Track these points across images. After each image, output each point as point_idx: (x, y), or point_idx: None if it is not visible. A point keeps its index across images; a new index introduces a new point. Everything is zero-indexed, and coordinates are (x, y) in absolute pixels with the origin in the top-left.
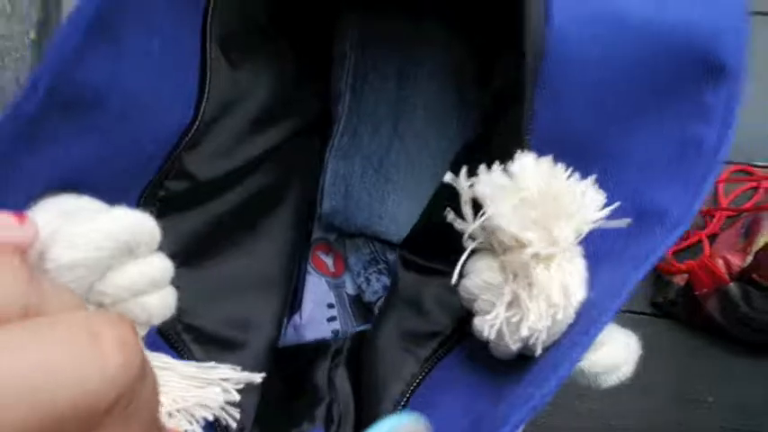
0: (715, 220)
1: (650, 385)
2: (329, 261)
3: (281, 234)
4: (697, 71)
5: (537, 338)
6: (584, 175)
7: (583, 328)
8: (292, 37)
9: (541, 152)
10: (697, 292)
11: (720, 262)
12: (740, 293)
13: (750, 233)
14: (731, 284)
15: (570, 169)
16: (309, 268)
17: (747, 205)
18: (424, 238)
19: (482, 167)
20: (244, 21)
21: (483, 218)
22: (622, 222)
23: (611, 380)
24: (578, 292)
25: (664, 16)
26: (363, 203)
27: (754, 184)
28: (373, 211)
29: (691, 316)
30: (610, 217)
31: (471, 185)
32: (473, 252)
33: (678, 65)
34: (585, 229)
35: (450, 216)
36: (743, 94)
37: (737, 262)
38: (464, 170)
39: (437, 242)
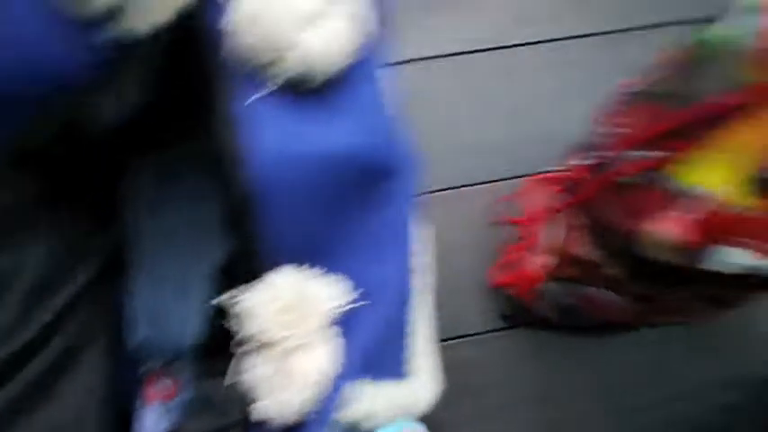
0: (525, 231)
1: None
2: (165, 385)
3: (89, 388)
4: (374, 175)
5: (304, 410)
6: (321, 271)
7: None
8: (70, 197)
9: (284, 261)
10: (525, 298)
11: (535, 265)
12: (557, 289)
13: (551, 236)
14: (547, 283)
15: (311, 271)
16: (141, 404)
17: (536, 212)
18: (209, 345)
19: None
20: (13, 195)
21: (249, 327)
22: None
23: (371, 426)
24: (331, 369)
25: (337, 147)
26: (172, 325)
27: (549, 188)
28: (183, 330)
29: (532, 319)
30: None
31: (238, 301)
32: (248, 351)
33: (359, 175)
34: (332, 318)
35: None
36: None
37: (548, 262)
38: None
39: (220, 347)
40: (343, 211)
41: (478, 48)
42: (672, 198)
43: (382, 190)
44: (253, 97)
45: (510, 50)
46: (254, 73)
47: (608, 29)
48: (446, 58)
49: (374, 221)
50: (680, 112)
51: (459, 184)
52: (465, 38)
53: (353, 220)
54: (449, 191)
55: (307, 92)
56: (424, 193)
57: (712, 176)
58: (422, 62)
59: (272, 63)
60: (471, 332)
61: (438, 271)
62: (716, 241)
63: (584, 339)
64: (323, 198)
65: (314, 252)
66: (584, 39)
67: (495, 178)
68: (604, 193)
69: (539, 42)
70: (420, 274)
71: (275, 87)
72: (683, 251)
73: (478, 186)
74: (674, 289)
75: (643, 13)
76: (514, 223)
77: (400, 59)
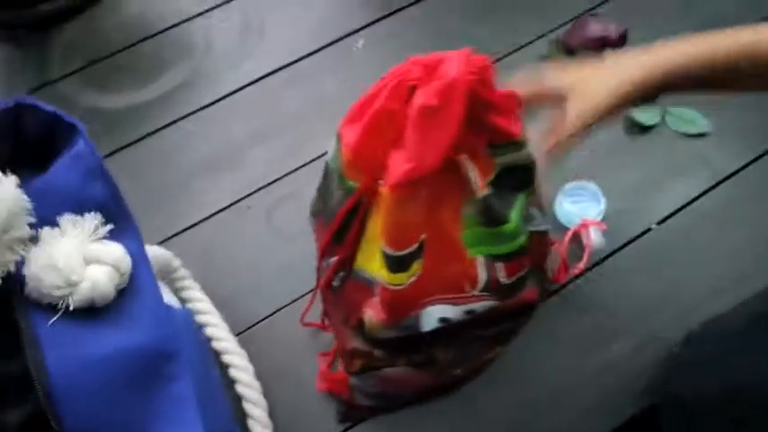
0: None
1: None
2: None
3: None
4: (160, 361)
5: None
6: None
7: None
8: None
9: None
10: (346, 397)
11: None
12: (359, 381)
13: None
14: (351, 379)
15: None
16: None
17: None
18: None
19: None
20: None
21: None
22: None
23: None
24: None
25: (127, 344)
26: None
27: None
28: None
29: (363, 413)
30: None
31: None
32: None
33: (147, 363)
34: None
35: None
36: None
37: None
38: None
39: None
40: (136, 396)
41: None
42: (367, 287)
43: (169, 372)
44: (52, 320)
45: None
46: (51, 301)
47: None
48: None
49: (164, 400)
50: (329, 223)
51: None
52: None
53: (146, 402)
54: (261, 322)
55: (97, 309)
56: (241, 332)
57: (373, 263)
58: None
59: (66, 294)
60: None
61: (276, 393)
62: (402, 312)
63: (422, 410)
64: (119, 388)
65: None
66: None
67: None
68: (330, 296)
69: None
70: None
71: (70, 310)
72: (393, 327)
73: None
74: (433, 349)
75: None
76: (321, 328)
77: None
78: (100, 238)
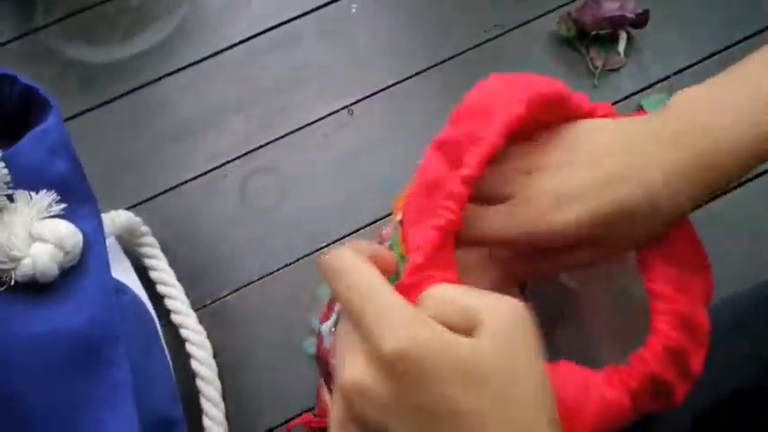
0: None
1: None
2: None
3: None
4: (98, 354)
5: None
6: None
7: None
8: None
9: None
10: None
11: None
12: None
13: None
14: None
15: None
16: None
17: None
18: None
19: None
20: None
21: None
22: None
23: None
24: None
25: (65, 324)
26: None
27: None
28: None
29: None
30: None
31: None
32: None
33: (87, 345)
34: None
35: None
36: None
37: None
38: None
39: None
40: (74, 377)
41: None
42: None
43: (107, 357)
44: None
45: None
46: None
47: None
48: None
49: (100, 384)
50: None
51: None
52: None
53: (81, 385)
54: (229, 295)
55: (40, 286)
56: (207, 305)
57: None
58: None
59: (8, 269)
60: None
61: (234, 371)
62: None
63: None
64: (53, 369)
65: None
66: None
67: (266, 273)
68: None
69: None
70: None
71: (11, 285)
72: None
73: None
74: None
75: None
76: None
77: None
78: (53, 216)
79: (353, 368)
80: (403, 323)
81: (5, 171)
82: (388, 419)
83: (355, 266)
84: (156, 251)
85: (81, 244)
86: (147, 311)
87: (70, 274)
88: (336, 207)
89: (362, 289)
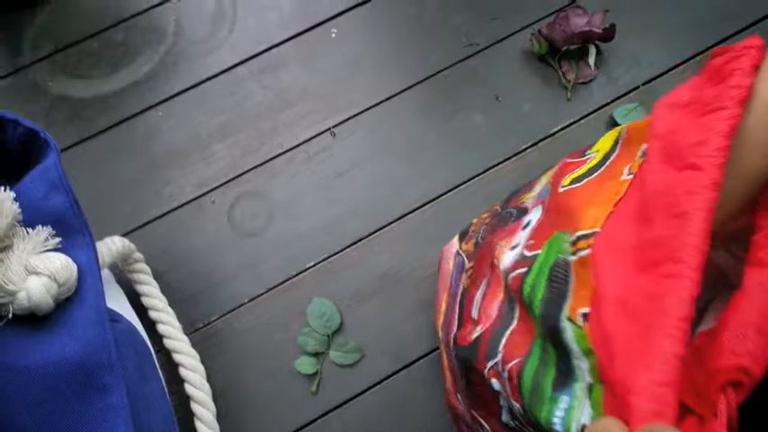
0: None
1: None
2: None
3: None
4: (94, 382)
5: None
6: None
7: None
8: None
9: None
10: None
11: None
12: None
13: None
14: None
15: None
16: None
17: None
18: None
19: None
20: None
21: None
22: None
23: None
24: None
25: (62, 355)
26: None
27: None
28: None
29: None
30: None
31: None
32: None
33: (80, 375)
34: None
35: None
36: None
37: None
38: None
39: None
40: (70, 404)
41: None
42: None
43: (103, 384)
44: None
45: None
46: None
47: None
48: None
49: (97, 411)
50: None
51: None
52: None
53: (78, 412)
54: (219, 319)
55: (37, 318)
56: (199, 329)
57: None
58: None
59: (6, 302)
60: None
61: (229, 394)
62: None
63: None
64: (50, 398)
65: None
66: None
67: (256, 295)
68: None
69: None
70: None
71: (9, 318)
72: None
73: None
74: None
75: None
76: None
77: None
78: (49, 250)
79: None
80: None
81: (19, 210)
82: None
83: None
84: (149, 277)
85: (75, 275)
86: (141, 338)
87: (66, 304)
88: (322, 228)
89: None
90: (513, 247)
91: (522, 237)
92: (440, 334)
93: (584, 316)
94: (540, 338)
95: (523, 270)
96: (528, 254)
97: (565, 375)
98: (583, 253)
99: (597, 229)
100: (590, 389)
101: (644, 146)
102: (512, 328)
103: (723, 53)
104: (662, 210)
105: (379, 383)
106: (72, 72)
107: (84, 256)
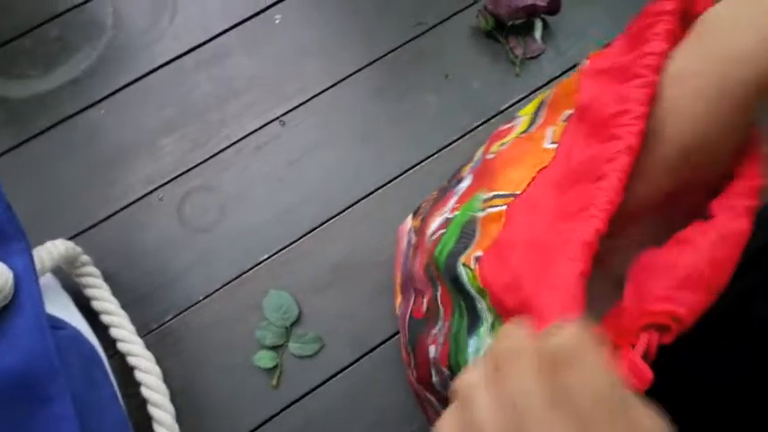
0: None
1: None
2: None
3: None
4: (36, 392)
5: None
6: None
7: None
8: None
9: None
10: None
11: None
12: None
13: None
14: None
15: None
16: None
17: None
18: None
19: None
20: None
21: None
22: None
23: None
24: None
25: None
26: None
27: None
28: None
29: None
30: None
31: None
32: None
33: (21, 386)
34: None
35: None
36: None
37: None
38: None
39: None
40: (13, 414)
41: None
42: None
43: (46, 393)
44: None
45: None
46: None
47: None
48: None
49: (42, 421)
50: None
51: None
52: None
53: (22, 423)
54: (175, 318)
55: None
56: (154, 329)
57: None
58: None
59: None
60: None
61: (186, 394)
62: None
63: None
64: None
65: None
66: None
67: (211, 291)
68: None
69: None
70: None
71: None
72: None
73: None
74: None
75: None
76: None
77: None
78: None
79: None
80: None
81: None
82: None
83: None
84: (98, 281)
85: (11, 283)
86: (89, 343)
87: (2, 313)
88: (276, 219)
89: None
90: (442, 214)
91: (450, 203)
92: (397, 311)
93: (477, 259)
94: (452, 293)
95: (443, 231)
96: (450, 216)
97: (474, 321)
98: (492, 210)
99: (517, 192)
100: (492, 327)
101: (567, 112)
102: (439, 291)
103: (640, 18)
104: (583, 177)
105: (340, 372)
106: (6, 72)
107: (20, 263)
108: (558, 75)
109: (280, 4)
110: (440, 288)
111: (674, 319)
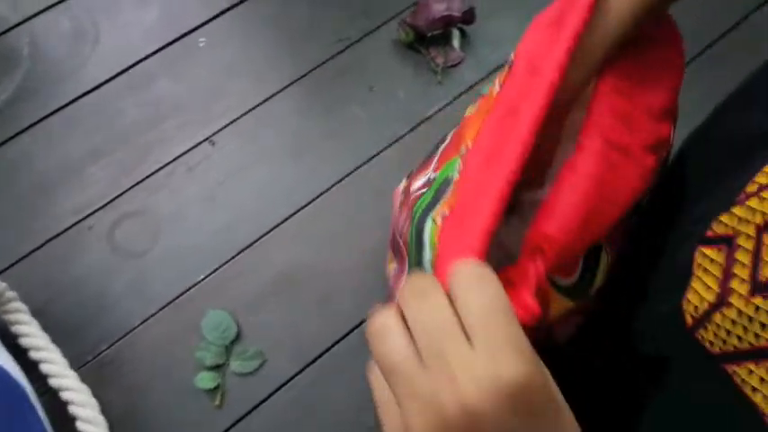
0: None
1: None
2: None
3: None
4: None
5: None
6: None
7: None
8: None
9: None
10: None
11: None
12: None
13: None
14: None
15: None
16: None
17: None
18: None
19: None
20: None
21: None
22: None
23: None
24: None
25: None
26: None
27: None
28: None
29: None
30: None
31: None
32: None
33: None
34: None
35: None
36: None
37: None
38: None
39: None
40: None
41: None
42: None
43: None
44: None
45: None
46: None
47: None
48: None
49: None
50: None
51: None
52: None
53: None
54: (111, 347)
55: None
56: (90, 361)
57: None
58: None
59: None
60: None
61: (125, 424)
62: None
63: None
64: None
65: None
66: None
67: (147, 316)
68: None
69: None
70: None
71: None
72: None
73: None
74: None
75: None
76: None
77: None
78: None
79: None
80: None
81: None
82: None
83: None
84: (26, 316)
85: None
86: (13, 382)
87: None
88: (211, 238)
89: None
90: (426, 175)
91: (433, 163)
92: (390, 281)
93: (443, 218)
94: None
95: (425, 190)
96: (432, 175)
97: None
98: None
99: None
100: None
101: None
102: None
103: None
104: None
105: (284, 385)
106: None
107: None
108: (477, 81)
109: (203, 28)
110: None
111: (545, 239)
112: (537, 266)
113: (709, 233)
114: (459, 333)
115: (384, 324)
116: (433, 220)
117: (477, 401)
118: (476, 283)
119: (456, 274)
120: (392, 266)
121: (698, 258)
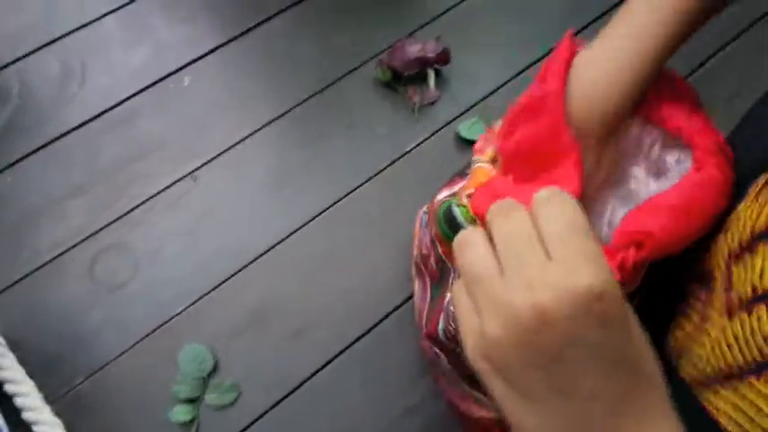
0: None
1: None
2: None
3: None
4: None
5: None
6: None
7: None
8: None
9: None
10: None
11: None
12: None
13: None
14: None
15: None
16: None
17: None
18: None
19: None
20: None
21: None
22: None
23: None
24: None
25: None
26: None
27: None
28: None
29: None
30: None
31: None
32: None
33: None
34: None
35: None
36: None
37: None
38: None
39: None
40: None
41: None
42: None
43: None
44: None
45: None
46: None
47: None
48: None
49: None
50: None
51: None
52: None
53: None
54: (87, 380)
55: None
56: (67, 392)
57: None
58: None
59: None
60: None
61: None
62: None
63: None
64: None
65: None
66: None
67: (125, 348)
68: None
69: None
70: None
71: None
72: None
73: None
74: None
75: None
76: None
77: None
78: None
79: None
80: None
81: None
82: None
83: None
84: (3, 349)
85: None
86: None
87: None
88: (189, 272)
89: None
90: (451, 189)
91: (460, 184)
92: (415, 297)
93: (468, 196)
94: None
95: (449, 193)
96: (457, 188)
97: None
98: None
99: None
100: None
101: None
102: (439, 249)
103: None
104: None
105: (260, 418)
106: None
107: None
108: (452, 118)
109: (188, 67)
110: (439, 246)
111: (648, 235)
112: (628, 255)
113: None
114: (538, 245)
115: (470, 237)
116: (460, 205)
117: (552, 306)
118: (557, 202)
119: (539, 196)
120: (416, 286)
121: None
